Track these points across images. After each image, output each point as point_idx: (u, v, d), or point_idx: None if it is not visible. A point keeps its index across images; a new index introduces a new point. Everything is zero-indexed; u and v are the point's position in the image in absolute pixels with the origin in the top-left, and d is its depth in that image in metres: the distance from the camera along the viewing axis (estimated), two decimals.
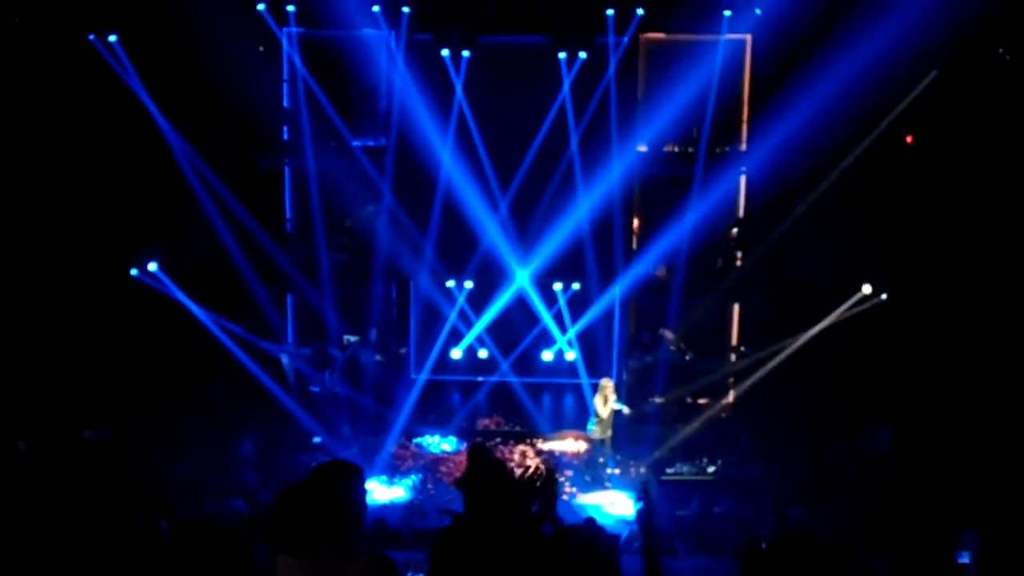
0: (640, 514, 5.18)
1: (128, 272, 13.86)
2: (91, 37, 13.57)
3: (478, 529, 4.35)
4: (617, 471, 14.07)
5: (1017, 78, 12.84)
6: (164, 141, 14.17)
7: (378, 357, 15.60)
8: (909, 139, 14.39)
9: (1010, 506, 11.61)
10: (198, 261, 14.61)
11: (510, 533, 4.36)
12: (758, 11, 14.17)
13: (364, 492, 4.08)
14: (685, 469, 14.11)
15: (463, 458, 14.01)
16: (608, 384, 13.71)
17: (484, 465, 4.88)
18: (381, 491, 13.24)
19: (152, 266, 13.87)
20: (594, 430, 13.78)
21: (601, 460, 13.88)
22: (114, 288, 14.00)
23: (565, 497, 13.37)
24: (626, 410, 13.86)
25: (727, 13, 14.13)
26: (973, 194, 13.39)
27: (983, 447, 12.83)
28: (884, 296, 13.89)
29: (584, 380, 15.19)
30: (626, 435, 14.73)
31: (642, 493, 5.07)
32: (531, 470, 5.01)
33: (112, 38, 13.63)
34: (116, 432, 13.29)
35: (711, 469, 14.09)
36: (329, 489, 3.91)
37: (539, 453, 14.72)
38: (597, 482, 13.65)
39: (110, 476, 12.28)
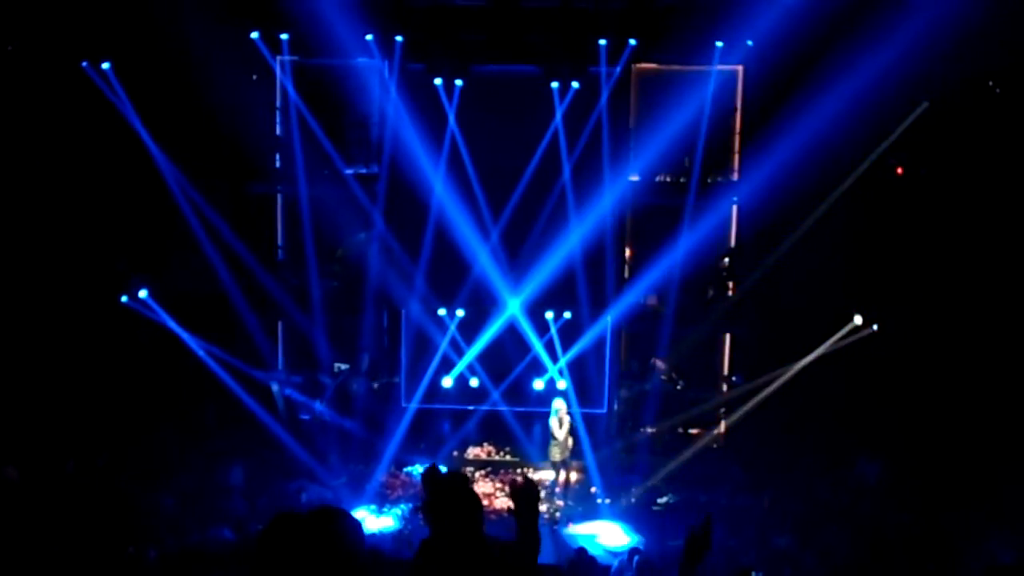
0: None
1: (118, 299, 13.80)
2: (84, 64, 13.59)
3: (445, 547, 4.29)
4: (608, 501, 14.02)
5: (1006, 111, 12.92)
6: (156, 168, 14.16)
7: (373, 385, 15.52)
8: (900, 170, 14.44)
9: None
10: (189, 288, 14.56)
11: (476, 547, 4.29)
12: (750, 43, 14.26)
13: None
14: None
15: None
16: (562, 405, 13.77)
17: (439, 485, 4.79)
18: (371, 520, 13.17)
19: (142, 293, 13.82)
20: (552, 451, 13.90)
21: (561, 480, 14.00)
22: (104, 315, 13.95)
23: (555, 526, 13.36)
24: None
25: (719, 44, 14.22)
26: (962, 225, 13.44)
27: (973, 478, 12.84)
28: (875, 327, 13.89)
29: (576, 409, 15.13)
30: (616, 464, 14.71)
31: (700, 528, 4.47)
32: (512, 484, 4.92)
33: (105, 65, 13.66)
34: (105, 459, 13.21)
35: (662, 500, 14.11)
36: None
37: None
38: (586, 512, 13.63)
39: (99, 504, 12.21)
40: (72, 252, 13.83)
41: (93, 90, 13.71)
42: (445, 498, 4.53)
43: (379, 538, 12.40)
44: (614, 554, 12.00)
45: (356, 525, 3.62)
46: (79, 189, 13.78)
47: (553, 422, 13.87)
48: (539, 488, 5.19)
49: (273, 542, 3.58)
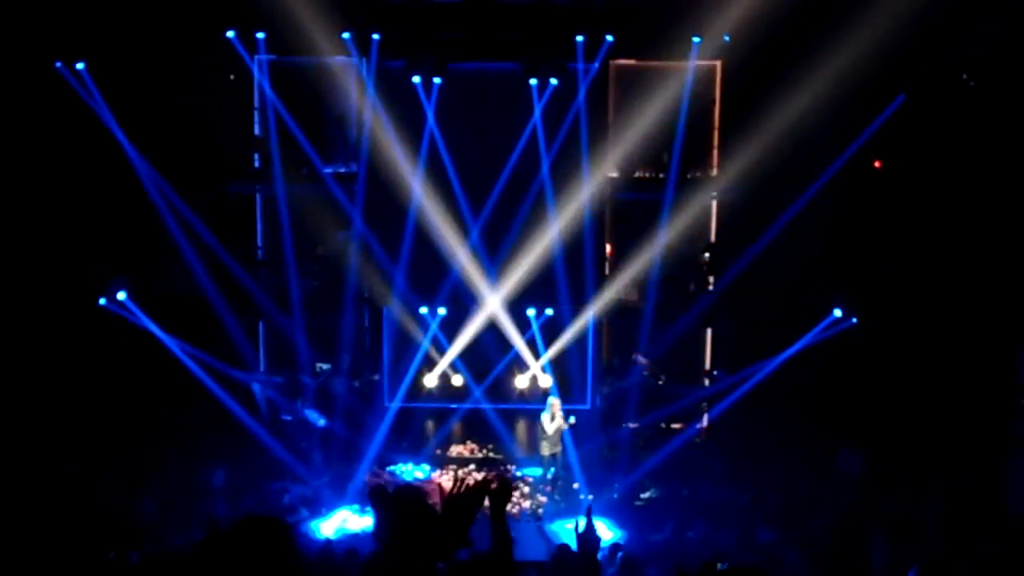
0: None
1: (96, 301, 13.70)
2: (58, 65, 13.46)
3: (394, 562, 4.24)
4: (591, 497, 14.03)
5: (980, 104, 13.00)
6: (133, 169, 14.06)
7: (355, 384, 15.47)
8: (878, 164, 14.51)
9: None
10: (168, 290, 14.46)
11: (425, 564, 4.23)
12: (727, 38, 14.29)
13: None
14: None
15: (435, 486, 13.93)
16: (555, 403, 13.83)
17: (388, 504, 4.67)
18: (353, 520, 13.13)
19: (121, 295, 13.73)
20: (542, 446, 13.97)
21: (549, 477, 14.04)
22: (82, 318, 13.83)
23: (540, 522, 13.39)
24: (572, 421, 14.11)
25: (696, 40, 14.24)
26: (940, 217, 13.51)
27: (953, 469, 12.95)
28: (855, 319, 13.97)
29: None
30: (599, 459, 14.74)
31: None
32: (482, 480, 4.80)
33: (80, 66, 13.54)
34: (79, 467, 13.11)
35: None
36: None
37: (512, 480, 14.65)
38: (569, 508, 13.64)
39: (81, 508, 12.14)
40: (48, 254, 13.67)
41: (68, 90, 13.57)
42: (396, 518, 4.41)
43: (362, 538, 12.34)
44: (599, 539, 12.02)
45: (289, 537, 3.57)
46: (55, 191, 13.61)
47: (545, 417, 13.90)
48: (512, 489, 5.15)
49: (203, 560, 3.55)
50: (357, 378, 15.62)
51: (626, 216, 15.52)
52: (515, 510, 13.58)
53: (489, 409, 15.50)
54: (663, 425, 15.36)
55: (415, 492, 5.17)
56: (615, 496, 14.09)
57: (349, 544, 11.43)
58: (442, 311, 15.49)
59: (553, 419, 13.87)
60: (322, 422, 14.84)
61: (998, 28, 12.12)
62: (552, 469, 14.08)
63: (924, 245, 13.59)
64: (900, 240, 13.88)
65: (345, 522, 13.13)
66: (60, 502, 12.12)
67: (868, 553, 11.88)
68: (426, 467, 15.00)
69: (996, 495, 12.63)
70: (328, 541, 11.84)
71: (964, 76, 13.18)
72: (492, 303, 15.23)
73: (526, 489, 14.32)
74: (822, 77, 13.11)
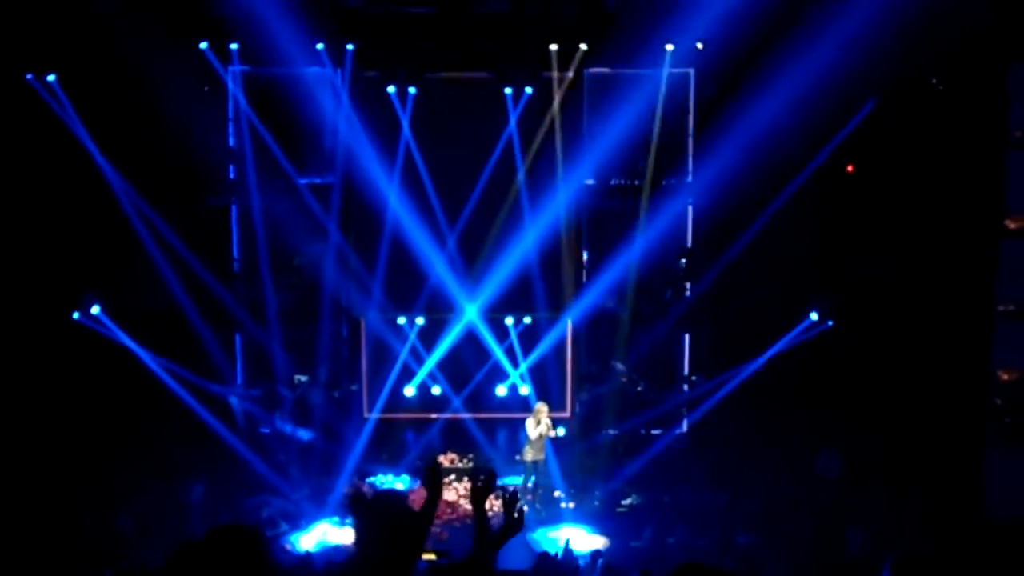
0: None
1: (70, 315, 13.56)
2: (29, 77, 13.35)
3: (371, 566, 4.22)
4: (572, 505, 14.04)
5: (949, 108, 13.16)
6: (106, 182, 13.94)
7: (334, 394, 15.40)
8: (851, 168, 14.64)
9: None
10: (143, 303, 14.33)
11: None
12: (700, 45, 14.40)
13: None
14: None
15: (416, 497, 13.93)
16: (543, 408, 13.80)
17: (367, 510, 4.64)
18: (333, 532, 13.07)
19: (95, 309, 13.60)
20: (525, 451, 13.98)
21: (530, 485, 14.05)
22: (56, 332, 13.68)
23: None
24: (560, 432, 14.10)
25: (669, 47, 14.32)
26: (912, 220, 13.65)
27: (931, 469, 13.07)
28: (831, 323, 14.06)
29: None
30: (579, 467, 14.75)
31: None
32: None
33: (51, 77, 13.42)
34: (61, 480, 12.97)
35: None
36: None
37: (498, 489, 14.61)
38: (552, 515, 13.64)
39: (56, 526, 12.00)
40: (20, 269, 13.53)
41: (39, 103, 13.45)
42: (375, 524, 4.37)
43: (341, 550, 12.29)
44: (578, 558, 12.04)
45: (262, 545, 3.56)
46: (26, 204, 13.49)
47: (529, 422, 13.88)
48: (494, 478, 5.13)
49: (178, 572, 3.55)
50: (335, 389, 15.53)
51: (602, 223, 15.53)
52: (495, 520, 13.52)
53: (469, 419, 15.47)
54: (643, 431, 15.38)
55: (395, 498, 5.14)
56: (596, 503, 14.10)
57: (329, 557, 11.40)
58: (420, 321, 15.46)
59: (538, 424, 13.83)
60: (306, 436, 14.78)
61: (964, 32, 12.30)
62: (533, 477, 14.07)
63: (898, 247, 13.72)
64: (874, 243, 13.99)
65: (325, 535, 13.07)
66: (35, 520, 11.98)
67: (845, 550, 11.98)
68: (406, 478, 14.93)
69: (972, 494, 12.72)
70: (308, 554, 11.79)
71: (933, 80, 13.33)
72: (470, 312, 15.22)
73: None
74: (794, 82, 13.23)
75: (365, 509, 4.38)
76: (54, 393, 13.60)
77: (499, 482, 14.56)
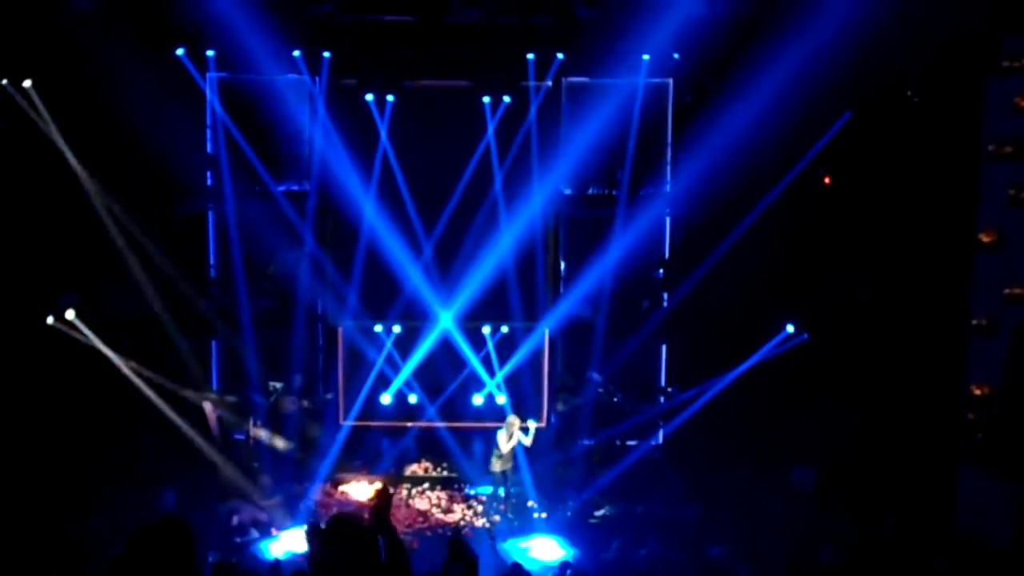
0: None
1: (44, 320, 13.53)
2: (4, 82, 13.35)
3: None
4: (544, 515, 13.98)
5: (924, 119, 13.14)
6: (81, 188, 13.93)
7: (304, 403, 15.34)
8: (827, 179, 14.61)
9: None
10: (118, 308, 14.31)
11: None
12: (676, 55, 14.41)
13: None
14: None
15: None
16: (515, 421, 13.75)
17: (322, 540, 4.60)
18: (303, 541, 12.97)
19: (69, 314, 13.56)
20: (493, 463, 13.93)
21: (501, 494, 14.08)
22: (30, 337, 13.65)
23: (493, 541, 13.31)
24: (532, 428, 14.09)
25: (645, 57, 14.32)
26: (888, 231, 13.62)
27: (905, 484, 13.01)
28: (806, 335, 14.00)
29: None
30: (553, 477, 14.70)
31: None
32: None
33: (27, 83, 13.42)
34: (31, 484, 12.93)
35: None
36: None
37: (465, 498, 14.59)
38: (523, 526, 13.59)
39: (26, 530, 11.94)
40: None
41: (14, 108, 13.46)
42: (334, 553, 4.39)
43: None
44: (548, 568, 12.01)
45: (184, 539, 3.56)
46: (1, 209, 13.50)
47: (501, 435, 13.83)
48: (391, 494, 5.17)
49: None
50: (310, 396, 15.49)
51: (579, 233, 15.51)
52: (466, 529, 13.52)
53: (444, 428, 15.42)
54: (618, 442, 15.33)
55: (351, 527, 5.08)
56: (568, 514, 14.04)
57: (298, 565, 11.31)
58: (396, 329, 15.42)
59: (510, 439, 13.82)
60: (279, 443, 14.76)
61: (940, 45, 12.29)
62: (502, 488, 14.02)
63: (872, 260, 13.68)
64: (848, 255, 13.95)
65: (295, 543, 12.99)
66: (4, 524, 11.94)
67: (818, 565, 11.91)
68: (379, 486, 14.85)
69: (945, 509, 12.65)
70: (276, 561, 11.72)
71: (908, 93, 13.30)
72: (446, 320, 15.18)
73: (479, 507, 14.28)
74: (770, 94, 13.24)
75: (320, 538, 4.40)
76: (27, 397, 13.57)
77: (472, 490, 14.66)
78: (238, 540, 13.06)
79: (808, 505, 13.71)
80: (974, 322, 12.42)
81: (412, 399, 15.55)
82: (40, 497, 12.88)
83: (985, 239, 12.24)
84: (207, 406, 14.75)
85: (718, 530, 13.04)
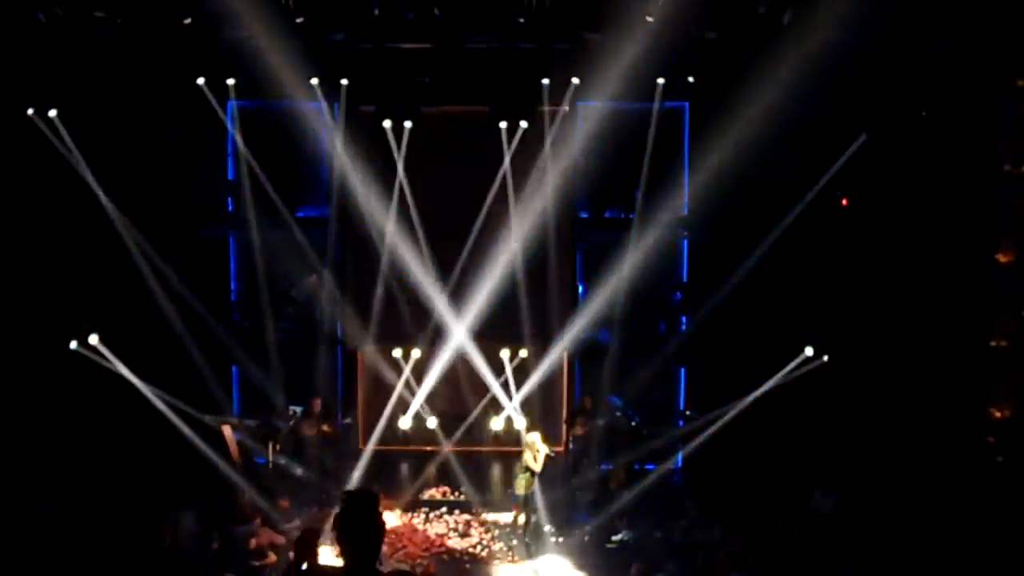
0: None
1: (68, 345, 13.75)
2: (30, 112, 13.66)
3: None
4: (561, 539, 13.92)
5: (940, 141, 13.08)
6: (105, 214, 14.21)
7: (324, 428, 15.43)
8: (845, 201, 14.56)
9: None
10: (140, 334, 14.51)
11: None
12: (691, 79, 14.46)
13: None
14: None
15: (405, 530, 13.93)
16: (535, 440, 13.54)
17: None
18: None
19: (93, 339, 13.77)
20: (518, 484, 13.62)
21: (521, 519, 13.84)
22: (54, 361, 13.89)
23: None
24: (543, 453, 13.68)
25: (660, 81, 14.38)
26: (906, 254, 13.54)
27: (926, 511, 12.83)
28: (825, 358, 13.89)
29: None
30: (571, 501, 14.64)
31: None
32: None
33: (52, 113, 13.73)
34: (51, 508, 13.09)
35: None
36: None
37: (483, 523, 14.55)
38: (540, 549, 13.53)
39: (46, 553, 12.08)
40: (19, 299, 13.80)
41: (40, 138, 13.76)
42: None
43: None
44: None
45: None
46: (27, 236, 13.81)
47: (527, 457, 13.58)
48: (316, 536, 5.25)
49: None
50: (330, 421, 15.58)
51: (597, 257, 15.54)
52: (483, 553, 13.49)
53: (462, 452, 15.43)
54: (636, 466, 15.24)
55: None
56: (586, 538, 13.96)
57: None
58: (416, 353, 15.49)
59: (536, 459, 13.63)
60: (299, 468, 14.85)
61: (955, 67, 12.27)
62: (523, 513, 13.94)
63: (892, 281, 13.60)
64: (868, 276, 13.88)
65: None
66: (29, 544, 12.09)
67: None
68: (398, 511, 14.87)
69: (967, 534, 12.46)
70: None
71: (923, 113, 13.26)
72: (464, 344, 15.24)
73: (497, 532, 14.24)
74: (786, 117, 13.25)
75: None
76: (51, 421, 13.80)
77: (491, 515, 14.59)
78: (256, 563, 13.12)
79: (827, 529, 13.54)
80: (992, 343, 12.31)
81: (431, 423, 15.58)
82: (62, 517, 13.06)
83: (1003, 259, 12.16)
84: (227, 430, 14.87)
85: (736, 554, 12.91)
